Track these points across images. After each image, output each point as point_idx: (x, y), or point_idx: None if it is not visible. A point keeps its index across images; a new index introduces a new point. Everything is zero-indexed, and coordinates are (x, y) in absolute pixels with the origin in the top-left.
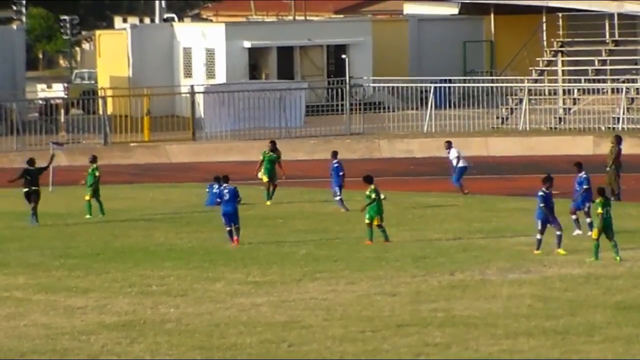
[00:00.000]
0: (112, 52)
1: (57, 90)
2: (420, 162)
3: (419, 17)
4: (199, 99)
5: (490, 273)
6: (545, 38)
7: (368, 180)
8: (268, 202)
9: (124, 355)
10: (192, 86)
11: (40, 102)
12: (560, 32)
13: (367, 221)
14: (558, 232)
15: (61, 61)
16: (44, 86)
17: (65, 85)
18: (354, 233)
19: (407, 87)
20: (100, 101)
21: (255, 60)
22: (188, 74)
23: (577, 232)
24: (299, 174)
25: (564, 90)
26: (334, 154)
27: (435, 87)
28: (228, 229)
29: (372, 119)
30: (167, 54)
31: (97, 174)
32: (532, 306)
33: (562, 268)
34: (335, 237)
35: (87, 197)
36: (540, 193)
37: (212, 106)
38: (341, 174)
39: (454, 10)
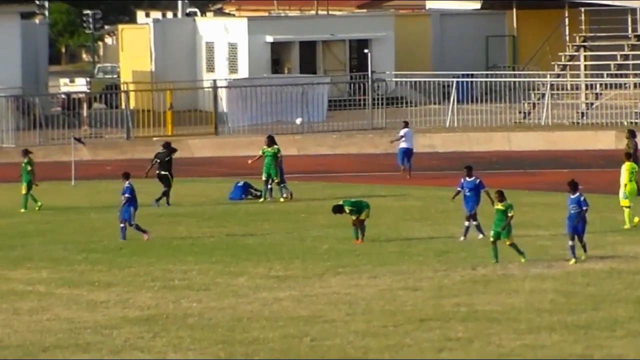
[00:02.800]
0: (134, 47)
1: (80, 85)
2: (442, 156)
3: (441, 12)
4: (222, 93)
5: (513, 268)
6: (567, 33)
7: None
8: (281, 199)
9: (146, 349)
10: (214, 80)
11: (63, 96)
12: (583, 27)
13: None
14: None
15: (84, 55)
16: (66, 80)
17: (88, 79)
18: (376, 228)
19: (429, 81)
20: (122, 95)
21: (278, 55)
22: (210, 68)
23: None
24: (322, 168)
25: (586, 85)
26: None
27: (457, 82)
28: None
29: (395, 114)
30: (189, 49)
31: (29, 168)
32: (555, 301)
33: (584, 263)
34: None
35: (23, 191)
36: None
37: (235, 100)
38: None
39: (476, 4)
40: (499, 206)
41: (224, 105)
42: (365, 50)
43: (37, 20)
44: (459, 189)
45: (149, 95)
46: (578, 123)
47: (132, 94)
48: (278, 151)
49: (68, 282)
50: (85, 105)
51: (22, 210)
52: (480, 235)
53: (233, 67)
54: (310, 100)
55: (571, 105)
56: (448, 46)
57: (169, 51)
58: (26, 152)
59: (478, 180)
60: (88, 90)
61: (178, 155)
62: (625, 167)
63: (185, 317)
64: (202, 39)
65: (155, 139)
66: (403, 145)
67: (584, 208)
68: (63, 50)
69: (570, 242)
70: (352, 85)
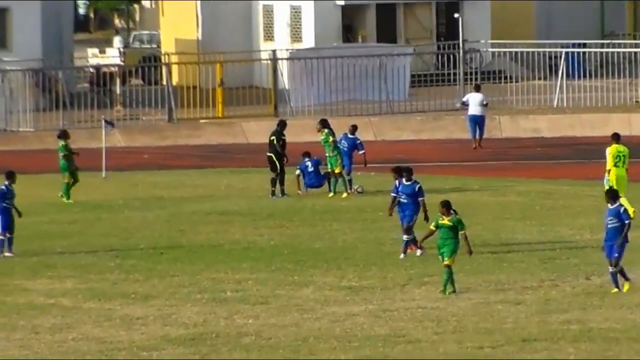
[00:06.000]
0: (178, 10)
1: (112, 56)
2: (549, 142)
3: None
4: (282, 66)
5: (635, 277)
6: None
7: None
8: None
9: None
10: (274, 51)
11: (92, 70)
12: None
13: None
14: None
15: (116, 21)
16: (95, 51)
17: (122, 49)
18: (469, 229)
19: (532, 52)
20: (163, 69)
21: (350, 20)
22: (269, 36)
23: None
24: (403, 156)
25: None
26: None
27: (566, 53)
28: None
29: (491, 91)
30: (244, 13)
31: (61, 154)
32: None
33: None
34: None
35: (66, 180)
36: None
37: (298, 75)
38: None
39: None
40: (444, 221)
41: (285, 81)
42: (456, 15)
43: None
44: (393, 194)
45: (195, 69)
46: None
47: (174, 68)
48: (327, 136)
49: (98, 293)
50: (118, 81)
51: (69, 201)
52: (419, 252)
53: (296, 35)
54: (389, 75)
55: None
56: (556, 10)
57: (220, 16)
58: (62, 135)
59: (418, 186)
60: (122, 63)
61: (230, 141)
62: None
63: (239, 336)
64: (259, 2)
65: (202, 121)
66: (471, 111)
67: (626, 222)
68: (92, 14)
69: (610, 268)
70: (439, 56)
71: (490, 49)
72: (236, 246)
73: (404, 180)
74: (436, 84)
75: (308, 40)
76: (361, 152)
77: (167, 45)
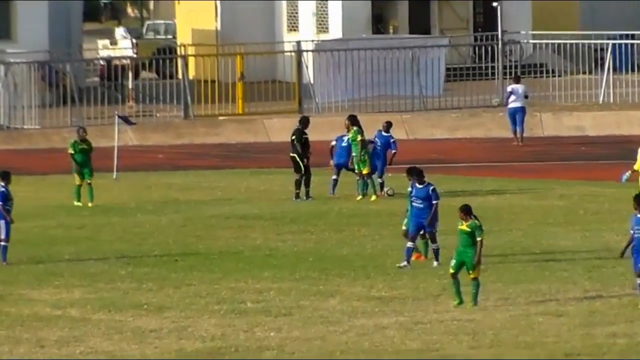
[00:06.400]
0: None
1: (124, 48)
2: (594, 141)
3: None
4: (308, 59)
5: None
6: None
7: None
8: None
9: None
10: (298, 43)
11: (102, 62)
12: None
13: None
14: None
15: (129, 9)
16: (106, 42)
17: (134, 41)
18: (508, 235)
19: (577, 44)
20: (179, 62)
21: (381, 10)
22: (293, 27)
23: None
24: (437, 156)
25: None
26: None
27: (613, 45)
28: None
29: (532, 86)
30: (266, 1)
31: (71, 151)
32: None
33: None
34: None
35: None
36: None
37: (324, 69)
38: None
39: None
40: (463, 227)
41: (310, 75)
42: (495, 4)
43: None
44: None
45: (214, 62)
46: None
47: (191, 60)
48: (355, 134)
49: (108, 304)
50: (130, 75)
51: (88, 204)
52: (435, 263)
53: (322, 26)
54: (423, 69)
55: None
56: None
57: (240, 4)
58: (80, 131)
59: (431, 188)
60: (134, 55)
61: (251, 139)
62: None
63: (260, 350)
64: None
65: (221, 118)
66: (512, 104)
67: None
68: (102, 3)
69: (638, 280)
70: (476, 48)
71: (531, 41)
72: (257, 253)
73: (416, 183)
74: (473, 78)
75: (335, 31)
76: (393, 151)
77: (184, 36)
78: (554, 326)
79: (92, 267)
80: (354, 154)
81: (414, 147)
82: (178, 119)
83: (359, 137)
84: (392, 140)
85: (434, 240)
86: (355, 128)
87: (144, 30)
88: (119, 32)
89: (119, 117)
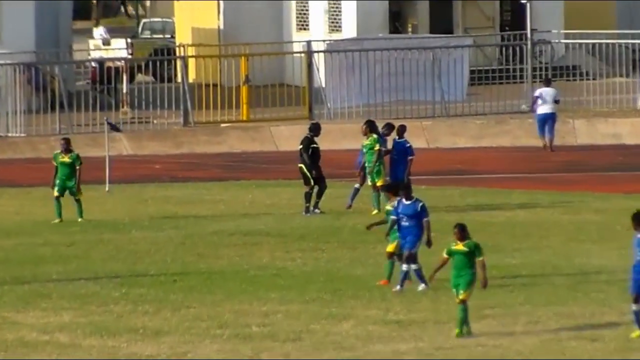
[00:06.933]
0: None
1: (118, 48)
2: (631, 151)
3: None
4: (319, 60)
5: None
6: None
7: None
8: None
9: None
10: (308, 43)
11: (94, 64)
12: None
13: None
14: None
15: (123, 7)
16: (98, 42)
17: (129, 41)
18: (538, 253)
19: (613, 44)
20: (178, 64)
21: (399, 7)
22: (303, 25)
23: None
24: (460, 167)
25: None
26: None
27: None
28: None
29: (564, 90)
30: None
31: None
32: None
33: None
34: (510, 257)
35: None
36: None
37: (337, 71)
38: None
39: None
40: (459, 247)
41: (321, 78)
42: (523, 0)
43: None
44: (393, 217)
45: (216, 64)
46: None
47: (191, 62)
48: (373, 142)
49: (100, 328)
50: (125, 78)
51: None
52: (422, 286)
53: (335, 24)
54: (445, 72)
55: None
56: None
57: (245, 1)
58: (62, 142)
59: (420, 205)
60: (129, 56)
61: (257, 148)
62: None
63: None
64: None
65: (224, 125)
66: (541, 109)
67: None
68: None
69: (633, 306)
70: (503, 49)
71: (564, 41)
72: (263, 272)
73: (403, 199)
74: (499, 82)
75: (349, 30)
76: (410, 157)
77: (183, 36)
78: (587, 352)
79: (82, 288)
80: (367, 164)
81: (435, 157)
82: (177, 126)
83: (377, 146)
84: (407, 145)
85: (414, 260)
86: (374, 135)
87: (140, 29)
88: (98, 32)
89: (108, 123)
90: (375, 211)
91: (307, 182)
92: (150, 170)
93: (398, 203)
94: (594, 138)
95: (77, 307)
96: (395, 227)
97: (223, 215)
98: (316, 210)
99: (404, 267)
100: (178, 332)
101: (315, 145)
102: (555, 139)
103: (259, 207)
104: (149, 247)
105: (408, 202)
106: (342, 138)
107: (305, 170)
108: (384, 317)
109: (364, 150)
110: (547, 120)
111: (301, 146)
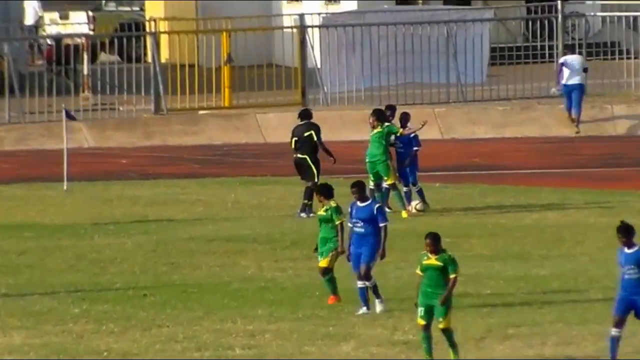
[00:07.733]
0: None
1: (78, 23)
2: None
3: None
4: (313, 37)
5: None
6: None
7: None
8: (412, 209)
9: None
10: (301, 16)
11: (50, 42)
12: None
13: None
14: None
15: None
16: (55, 16)
17: (91, 14)
18: (571, 261)
19: None
20: (149, 41)
21: None
22: None
23: None
24: (479, 161)
25: None
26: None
27: None
28: None
29: (601, 71)
30: None
31: None
32: None
33: None
34: (539, 267)
35: None
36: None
37: (335, 50)
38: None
39: None
40: (432, 261)
41: (316, 58)
42: None
43: None
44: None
45: (192, 41)
46: None
47: (163, 39)
48: (386, 132)
49: (57, 351)
50: (86, 58)
51: None
52: (379, 307)
53: None
54: (461, 49)
55: None
56: None
57: None
58: None
59: (377, 206)
60: (91, 33)
61: (241, 140)
62: None
63: None
64: None
65: (202, 112)
66: (569, 81)
67: None
68: None
69: (612, 331)
70: (530, 23)
71: (600, 13)
72: (249, 285)
73: (357, 202)
74: (525, 61)
75: (348, 2)
76: (415, 148)
77: (154, 9)
78: None
79: (36, 304)
80: (369, 158)
81: (450, 149)
82: (147, 114)
83: (392, 134)
84: (412, 135)
85: (367, 277)
86: (386, 124)
87: (104, 1)
88: (30, 5)
89: (65, 112)
90: (405, 211)
91: (310, 177)
92: (116, 166)
93: (351, 207)
94: (635, 127)
95: (30, 326)
96: (332, 237)
97: (201, 218)
98: (307, 211)
99: (360, 284)
100: (148, 355)
101: (316, 133)
102: (591, 127)
103: (243, 209)
104: (114, 256)
105: (362, 205)
106: (340, 127)
107: (309, 162)
108: (391, 337)
109: (373, 140)
110: (574, 92)
111: (306, 134)
